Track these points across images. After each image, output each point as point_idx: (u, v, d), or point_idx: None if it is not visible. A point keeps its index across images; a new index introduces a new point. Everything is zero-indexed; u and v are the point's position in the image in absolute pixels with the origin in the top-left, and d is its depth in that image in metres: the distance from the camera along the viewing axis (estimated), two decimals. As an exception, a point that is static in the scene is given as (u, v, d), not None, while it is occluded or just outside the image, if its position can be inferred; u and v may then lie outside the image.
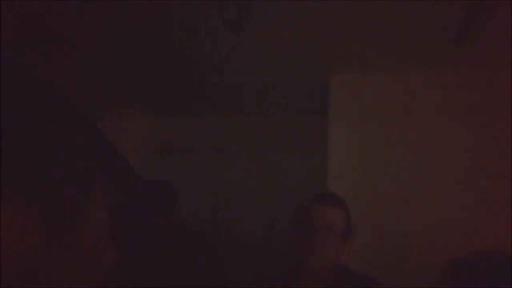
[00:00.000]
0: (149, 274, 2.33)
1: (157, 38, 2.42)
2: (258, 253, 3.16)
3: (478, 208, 2.39)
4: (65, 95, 1.83)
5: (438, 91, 2.53)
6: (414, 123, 2.53)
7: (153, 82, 3.03)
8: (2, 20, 1.74)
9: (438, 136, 2.49)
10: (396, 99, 2.58)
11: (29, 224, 0.47)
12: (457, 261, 2.30)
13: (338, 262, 1.62)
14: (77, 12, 2.11)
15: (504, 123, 2.44)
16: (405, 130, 2.53)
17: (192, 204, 3.20)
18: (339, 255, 1.61)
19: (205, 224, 3.30)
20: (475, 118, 2.49)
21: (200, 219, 3.25)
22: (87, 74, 2.78)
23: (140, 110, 3.50)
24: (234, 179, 3.49)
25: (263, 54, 2.53)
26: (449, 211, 2.39)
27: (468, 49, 2.26)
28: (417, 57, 2.44)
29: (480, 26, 2.05)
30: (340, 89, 2.66)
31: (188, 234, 2.58)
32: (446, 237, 2.32)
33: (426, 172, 2.46)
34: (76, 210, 0.51)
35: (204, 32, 2.29)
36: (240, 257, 3.13)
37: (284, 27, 2.19)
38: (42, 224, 0.47)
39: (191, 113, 3.59)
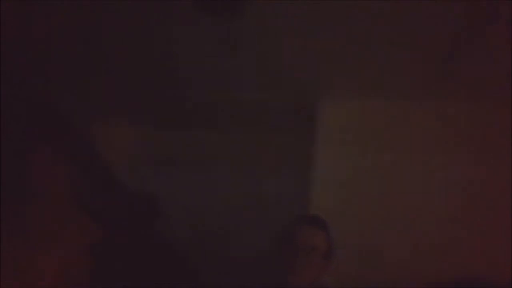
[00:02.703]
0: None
1: (145, 50, 2.42)
2: (237, 270, 3.15)
3: (467, 233, 2.42)
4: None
5: (427, 120, 2.60)
6: (401, 151, 2.59)
7: (141, 93, 3.04)
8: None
9: (425, 164, 2.55)
10: (384, 126, 2.63)
11: None
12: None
13: (319, 281, 1.65)
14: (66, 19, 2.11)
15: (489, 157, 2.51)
16: (391, 157, 2.58)
17: (175, 218, 3.20)
18: (320, 274, 1.65)
19: (188, 239, 3.30)
20: (465, 148, 2.55)
21: (183, 235, 3.24)
22: (74, 78, 2.78)
23: (127, 120, 3.50)
24: (215, 194, 3.50)
25: (255, 73, 2.56)
26: (435, 237, 2.43)
27: (455, 79, 2.33)
28: (409, 86, 2.50)
29: (467, 51, 2.12)
30: (328, 113, 2.70)
31: (169, 253, 2.58)
32: (430, 262, 2.34)
33: (411, 199, 2.50)
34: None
35: (195, 48, 2.32)
36: (218, 273, 3.12)
37: (275, 46, 2.23)
38: None
39: (178, 126, 3.60)
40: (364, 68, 2.37)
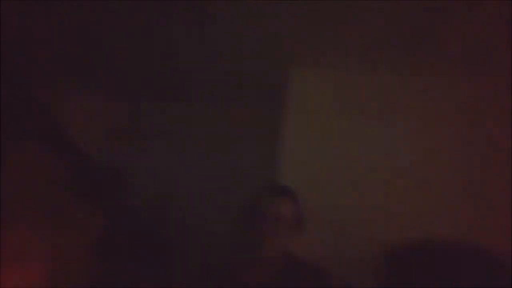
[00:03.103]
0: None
1: (112, 20, 2.34)
2: (206, 240, 3.17)
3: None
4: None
5: (397, 91, 2.62)
6: (370, 120, 2.61)
7: (105, 63, 2.95)
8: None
9: (392, 133, 2.58)
10: (355, 96, 2.64)
11: None
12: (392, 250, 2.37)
13: (288, 251, 1.67)
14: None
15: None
16: (360, 126, 2.60)
17: (139, 190, 3.16)
18: (290, 244, 1.67)
19: (152, 210, 3.28)
20: (430, 117, 2.60)
21: (147, 206, 3.21)
22: (36, 49, 2.67)
23: (90, 91, 3.41)
24: (183, 166, 3.47)
25: (223, 43, 2.51)
26: (404, 202, 2.47)
27: (429, 50, 2.35)
28: (379, 57, 2.50)
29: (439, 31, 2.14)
30: (298, 82, 2.69)
31: (137, 220, 2.56)
32: (400, 228, 2.39)
33: (378, 167, 2.54)
34: None
35: (165, 19, 2.25)
36: (187, 245, 3.13)
37: (247, 17, 2.19)
38: None
39: (142, 97, 3.53)
40: (337, 37, 2.35)
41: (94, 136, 3.36)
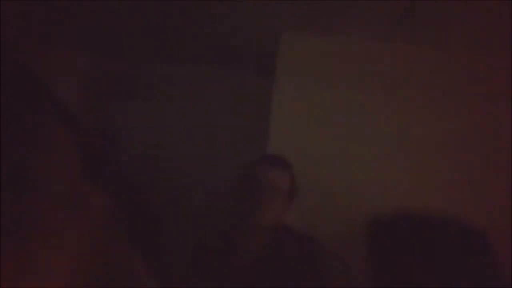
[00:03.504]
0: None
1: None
2: (197, 208, 3.18)
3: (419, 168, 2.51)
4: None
5: (388, 61, 2.60)
6: (360, 90, 2.60)
7: (95, 21, 2.87)
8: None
9: (383, 102, 2.58)
10: (347, 64, 2.62)
11: None
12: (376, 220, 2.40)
13: (281, 220, 1.69)
14: None
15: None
16: (350, 95, 2.59)
17: (129, 152, 3.14)
18: (283, 214, 1.68)
19: (143, 174, 3.27)
20: (420, 90, 2.59)
21: (137, 168, 3.20)
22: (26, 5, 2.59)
23: (81, 53, 3.34)
24: (173, 130, 3.45)
25: (216, 5, 2.46)
26: (395, 174, 2.49)
27: (419, 19, 2.32)
28: (373, 23, 2.47)
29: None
30: (289, 49, 2.66)
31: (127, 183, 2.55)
32: (391, 199, 2.42)
33: (369, 137, 2.55)
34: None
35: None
36: (178, 212, 3.14)
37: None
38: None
39: (136, 58, 3.46)
40: (327, 3, 2.31)
41: (84, 98, 3.31)
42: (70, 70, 3.25)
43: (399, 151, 2.52)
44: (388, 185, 2.46)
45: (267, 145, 2.59)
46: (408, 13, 2.29)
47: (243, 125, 3.28)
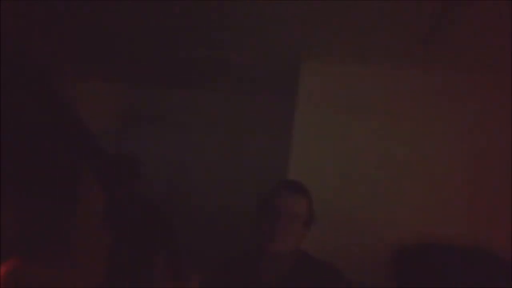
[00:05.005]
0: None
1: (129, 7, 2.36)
2: (215, 231, 3.20)
3: (438, 195, 2.49)
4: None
5: (407, 87, 2.62)
6: (380, 116, 2.61)
7: (120, 50, 2.97)
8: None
9: (402, 130, 2.59)
10: (365, 92, 2.65)
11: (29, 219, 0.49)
12: (402, 250, 2.38)
13: (299, 247, 1.69)
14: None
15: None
16: (370, 122, 2.61)
17: (153, 176, 3.20)
18: (301, 241, 1.68)
19: (164, 197, 3.31)
20: (441, 114, 2.59)
21: (159, 192, 3.25)
22: (53, 36, 2.70)
23: (105, 77, 3.43)
24: (196, 154, 3.50)
25: (238, 31, 2.52)
26: (410, 201, 2.48)
27: (436, 48, 2.33)
28: (391, 53, 2.49)
29: (448, 26, 2.12)
30: (310, 76, 2.69)
31: (148, 208, 2.59)
32: (408, 226, 2.40)
33: (390, 164, 2.55)
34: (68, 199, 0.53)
35: (178, 6, 2.26)
36: (196, 234, 3.17)
37: (263, 6, 2.19)
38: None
39: (157, 83, 3.55)
40: (348, 32, 2.35)
41: (109, 123, 3.39)
42: (97, 99, 3.34)
43: (419, 179, 2.51)
44: (407, 212, 2.45)
45: (287, 170, 2.61)
46: (427, 39, 2.31)
47: (264, 149, 3.31)
